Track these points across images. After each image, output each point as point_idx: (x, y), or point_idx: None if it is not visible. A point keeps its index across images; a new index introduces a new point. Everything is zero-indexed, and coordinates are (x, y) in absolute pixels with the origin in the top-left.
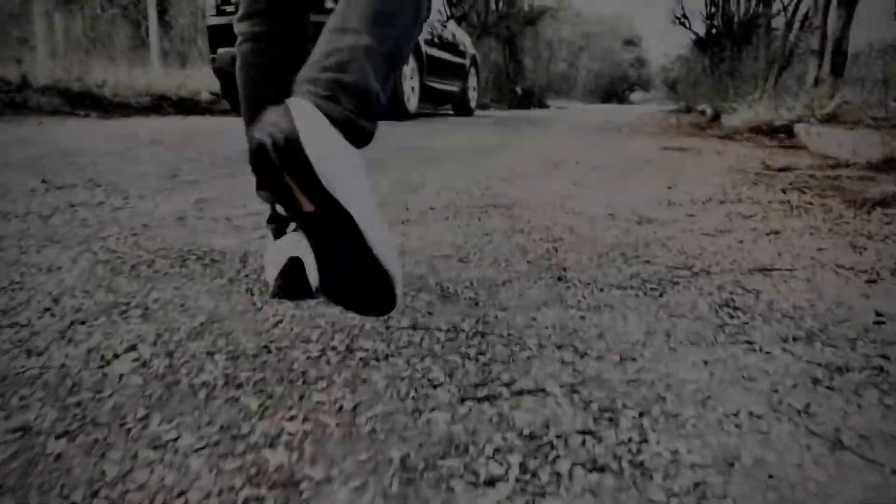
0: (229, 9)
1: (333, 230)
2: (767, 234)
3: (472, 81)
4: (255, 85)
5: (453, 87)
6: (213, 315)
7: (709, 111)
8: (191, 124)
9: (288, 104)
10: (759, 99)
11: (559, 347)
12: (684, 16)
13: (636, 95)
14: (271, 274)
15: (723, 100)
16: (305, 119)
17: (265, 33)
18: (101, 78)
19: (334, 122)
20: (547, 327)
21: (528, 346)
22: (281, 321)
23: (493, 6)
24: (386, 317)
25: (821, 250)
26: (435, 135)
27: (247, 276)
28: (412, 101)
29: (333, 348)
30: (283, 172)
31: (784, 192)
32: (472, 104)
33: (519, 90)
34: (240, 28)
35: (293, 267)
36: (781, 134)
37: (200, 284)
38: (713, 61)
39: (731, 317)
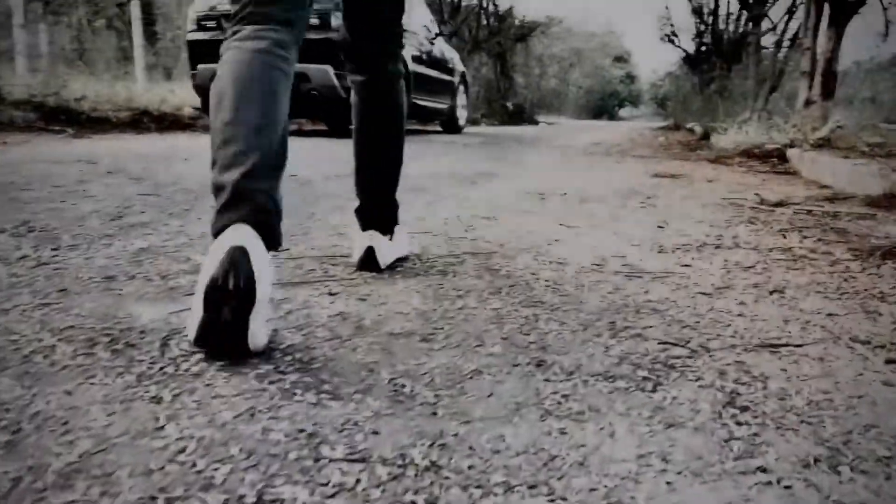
0: (210, 24)
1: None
2: (771, 293)
3: (461, 99)
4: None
5: (441, 105)
6: (99, 441)
7: (698, 130)
8: (164, 144)
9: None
10: (750, 120)
11: (531, 488)
12: (673, 33)
13: (626, 111)
14: (356, 255)
15: (712, 119)
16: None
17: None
18: (80, 92)
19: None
20: (518, 453)
21: (491, 489)
22: (184, 449)
23: (484, 22)
24: (316, 442)
25: (831, 317)
26: (417, 159)
27: (162, 369)
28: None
29: (241, 498)
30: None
31: (784, 235)
32: (462, 121)
33: (510, 106)
34: (228, 24)
35: (369, 252)
36: (774, 158)
37: (100, 387)
38: (702, 79)
39: (739, 423)
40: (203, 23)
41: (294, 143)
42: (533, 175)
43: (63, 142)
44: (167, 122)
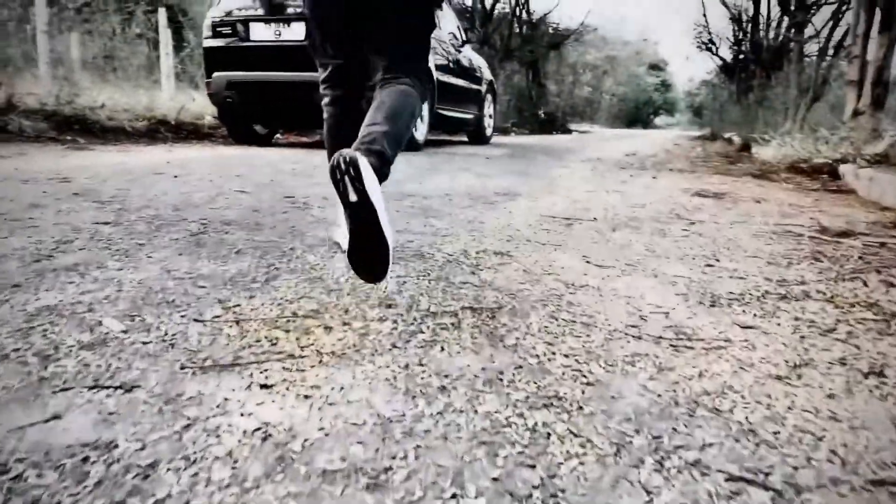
0: (225, 30)
1: (363, 216)
2: (866, 376)
3: (489, 109)
4: (332, 136)
5: (467, 115)
6: None
7: (737, 140)
8: (166, 157)
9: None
10: (793, 131)
11: None
12: (710, 41)
13: (661, 119)
14: (342, 245)
15: (752, 129)
16: (359, 156)
17: (338, 98)
18: (99, 100)
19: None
20: None
21: None
22: None
23: (516, 30)
24: None
25: None
26: (436, 173)
27: None
28: (420, 131)
29: None
30: (345, 175)
31: (864, 281)
32: (489, 132)
33: (542, 114)
34: (321, 89)
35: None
36: (824, 175)
37: None
38: (740, 88)
39: None
40: (219, 29)
41: (306, 157)
42: (559, 194)
43: (59, 154)
44: (185, 132)
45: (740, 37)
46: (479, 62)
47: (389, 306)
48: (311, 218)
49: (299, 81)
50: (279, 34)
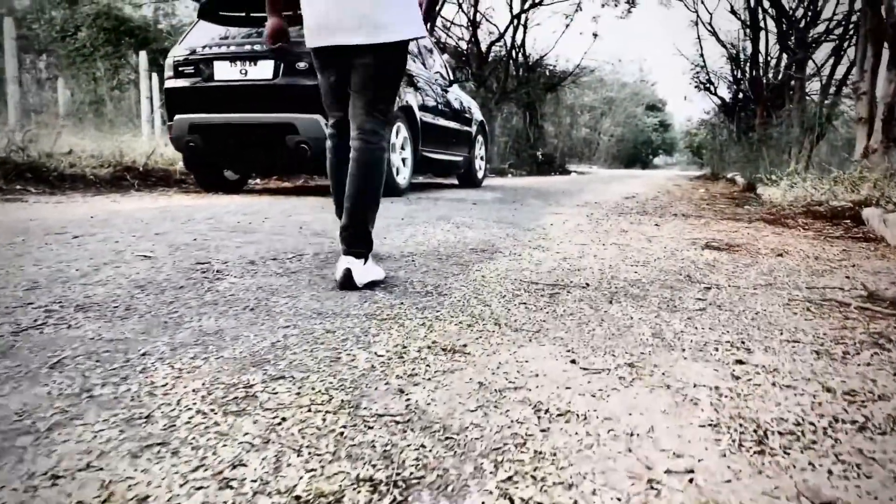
0: (188, 70)
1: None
2: None
3: (480, 150)
4: (333, 175)
5: (456, 157)
6: None
7: (740, 180)
8: (97, 210)
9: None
10: (799, 171)
11: None
12: (709, 80)
13: (660, 159)
14: (338, 274)
15: (755, 169)
16: (352, 268)
17: (336, 145)
18: (66, 146)
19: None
20: None
21: None
22: None
23: (512, 72)
24: None
25: None
26: (409, 225)
27: None
28: (403, 175)
29: None
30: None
31: None
32: (480, 174)
33: (539, 155)
34: (328, 135)
35: (347, 273)
36: (846, 220)
37: None
38: (740, 127)
39: None
40: (181, 69)
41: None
42: (547, 248)
43: None
44: (154, 179)
45: (738, 76)
46: (469, 103)
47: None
48: (212, 295)
49: (267, 123)
50: (245, 73)
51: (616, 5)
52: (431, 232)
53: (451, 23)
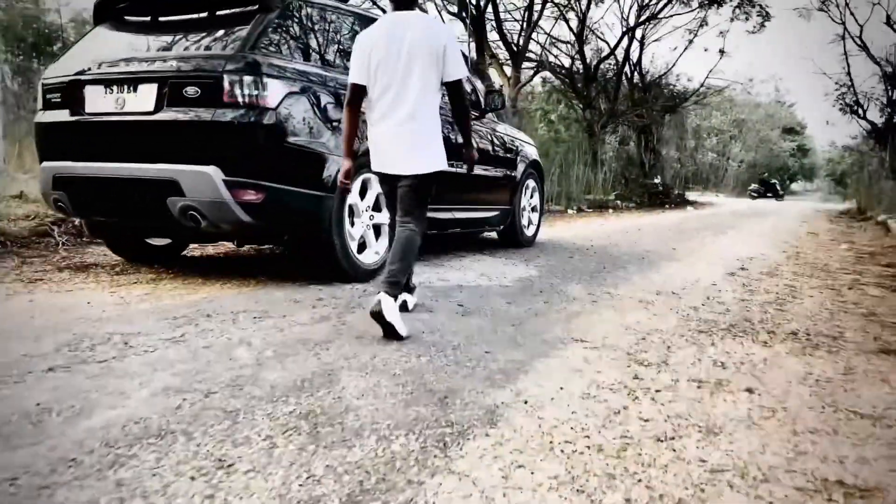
0: (56, 98)
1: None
2: None
3: (530, 199)
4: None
5: (481, 213)
6: None
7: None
8: None
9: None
10: None
11: None
12: (856, 102)
13: (798, 185)
14: (371, 307)
15: None
16: (382, 298)
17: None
18: None
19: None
20: None
21: None
22: None
23: (625, 90)
24: None
25: None
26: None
27: None
28: (375, 249)
29: None
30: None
31: None
32: (531, 230)
33: (656, 183)
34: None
35: (378, 306)
36: None
37: None
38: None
39: None
40: (49, 97)
41: None
42: (577, 412)
43: None
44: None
45: (894, 97)
46: (513, 138)
47: None
48: None
49: (142, 179)
50: (122, 104)
51: (747, 19)
52: (391, 373)
53: (550, 36)
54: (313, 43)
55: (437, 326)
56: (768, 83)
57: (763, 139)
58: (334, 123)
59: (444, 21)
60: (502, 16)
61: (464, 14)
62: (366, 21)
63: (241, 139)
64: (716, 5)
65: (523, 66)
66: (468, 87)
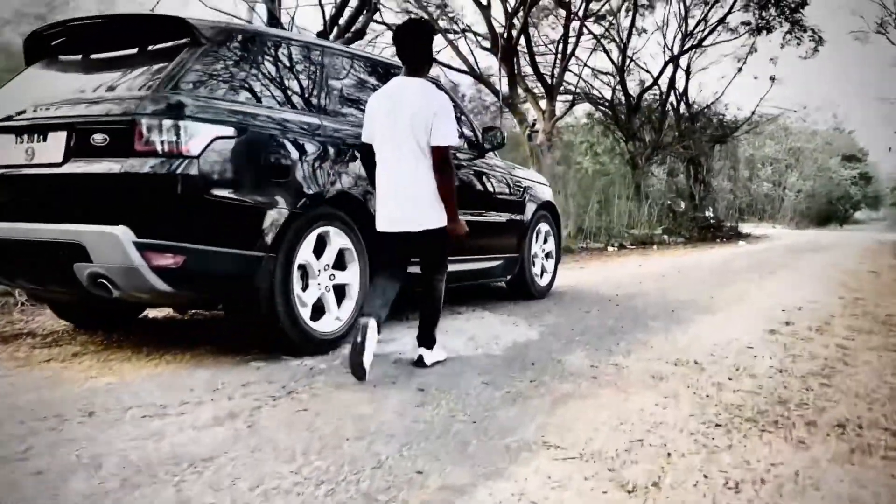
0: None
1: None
2: None
3: (543, 244)
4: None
5: (480, 264)
6: None
7: None
8: None
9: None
10: None
11: None
12: None
13: (863, 214)
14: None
15: None
16: (424, 353)
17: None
18: None
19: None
20: None
21: None
22: None
23: (672, 122)
24: None
25: None
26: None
27: None
28: (335, 315)
29: None
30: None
31: None
32: (544, 279)
33: (708, 216)
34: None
35: (420, 357)
36: None
37: None
38: None
39: None
40: None
41: None
42: None
43: None
44: None
45: None
46: (521, 178)
47: None
48: None
49: (44, 242)
50: (31, 155)
51: (799, 44)
52: None
53: (588, 66)
54: (257, 79)
55: (374, 427)
56: (825, 110)
57: (822, 168)
58: (280, 170)
59: (475, 57)
60: (536, 48)
61: (495, 49)
62: (320, 51)
63: (156, 194)
64: (765, 31)
65: (559, 98)
66: (468, 132)
